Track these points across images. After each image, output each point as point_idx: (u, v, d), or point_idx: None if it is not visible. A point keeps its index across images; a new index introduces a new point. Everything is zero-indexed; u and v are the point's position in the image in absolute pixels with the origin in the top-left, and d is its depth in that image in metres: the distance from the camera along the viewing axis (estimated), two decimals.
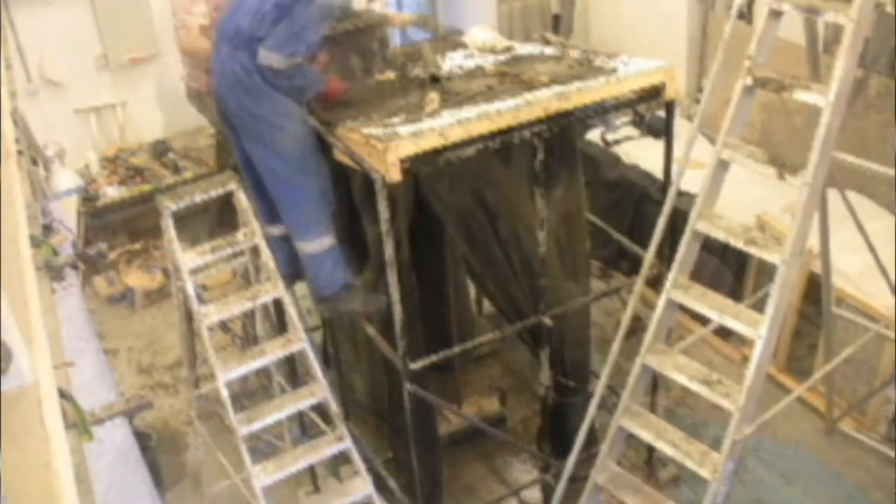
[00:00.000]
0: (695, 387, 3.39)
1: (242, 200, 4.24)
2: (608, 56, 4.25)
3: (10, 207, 2.66)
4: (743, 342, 5.54)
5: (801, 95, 3.17)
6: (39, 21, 7.33)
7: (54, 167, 5.64)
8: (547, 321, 4.36)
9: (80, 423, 2.27)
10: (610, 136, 4.33)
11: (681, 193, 4.00)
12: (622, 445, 3.95)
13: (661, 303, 3.51)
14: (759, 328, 3.13)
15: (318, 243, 4.19)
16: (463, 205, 4.41)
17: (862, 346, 4.84)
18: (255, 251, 4.29)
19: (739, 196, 6.07)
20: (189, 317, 4.31)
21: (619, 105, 4.02)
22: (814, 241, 4.72)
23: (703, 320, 6.19)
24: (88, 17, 7.58)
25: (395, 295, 3.79)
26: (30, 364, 1.81)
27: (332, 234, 4.23)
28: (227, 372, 4.02)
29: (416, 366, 3.97)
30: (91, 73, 7.79)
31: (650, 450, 5.00)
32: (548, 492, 4.28)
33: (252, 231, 4.23)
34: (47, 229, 3.76)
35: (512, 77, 4.13)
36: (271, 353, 4.14)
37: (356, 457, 4.20)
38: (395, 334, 3.93)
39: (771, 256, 3.17)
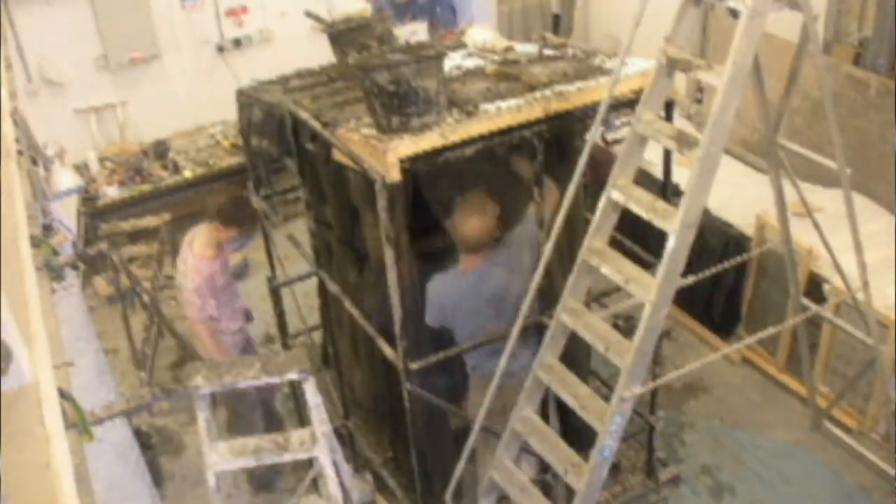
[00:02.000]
0: (597, 345, 3.68)
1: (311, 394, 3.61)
2: (608, 56, 4.25)
3: (10, 207, 2.67)
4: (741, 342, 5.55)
5: (702, 75, 3.42)
6: (39, 21, 7.34)
7: (54, 167, 5.65)
8: (546, 321, 4.36)
9: (80, 423, 2.27)
10: (610, 136, 4.33)
11: (677, 192, 4.00)
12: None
13: (576, 266, 3.81)
14: (650, 293, 3.39)
15: None
16: None
17: (862, 346, 4.85)
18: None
19: (739, 196, 6.10)
20: None
21: (619, 105, 4.02)
22: (815, 240, 4.74)
23: (701, 320, 6.27)
24: (88, 17, 7.59)
25: (395, 295, 3.79)
26: (30, 364, 1.81)
27: None
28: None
29: (415, 366, 3.97)
30: (91, 73, 7.80)
31: (650, 450, 5.00)
32: (548, 492, 4.28)
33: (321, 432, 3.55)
34: (47, 229, 3.76)
35: (511, 77, 4.13)
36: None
37: None
38: (394, 334, 3.93)
39: (665, 225, 3.39)
